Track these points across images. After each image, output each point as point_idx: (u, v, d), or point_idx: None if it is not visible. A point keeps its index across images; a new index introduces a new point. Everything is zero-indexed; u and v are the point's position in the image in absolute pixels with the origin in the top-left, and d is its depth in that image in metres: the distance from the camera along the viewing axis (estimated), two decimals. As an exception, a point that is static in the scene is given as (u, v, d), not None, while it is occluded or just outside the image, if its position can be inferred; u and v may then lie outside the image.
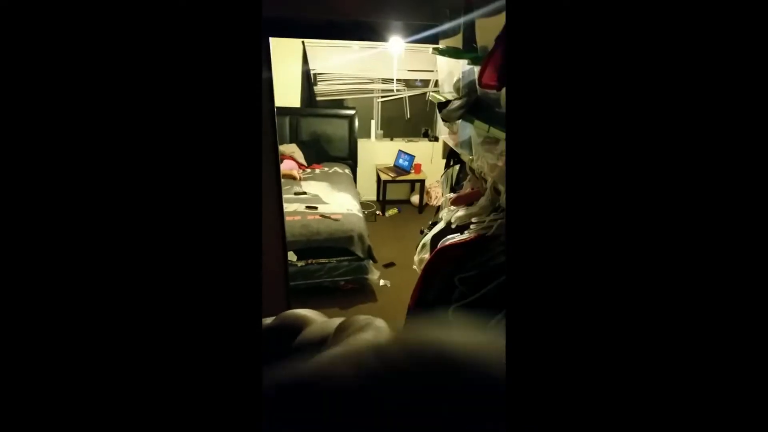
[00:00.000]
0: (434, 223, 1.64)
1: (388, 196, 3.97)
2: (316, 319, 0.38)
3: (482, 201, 1.28)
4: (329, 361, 0.21)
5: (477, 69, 1.10)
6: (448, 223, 1.40)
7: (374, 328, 0.26)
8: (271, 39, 1.53)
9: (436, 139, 4.03)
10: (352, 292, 2.59)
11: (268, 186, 1.68)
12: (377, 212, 3.90)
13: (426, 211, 3.91)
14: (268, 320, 0.41)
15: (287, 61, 3.53)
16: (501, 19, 0.97)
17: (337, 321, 0.35)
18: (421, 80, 3.93)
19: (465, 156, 1.46)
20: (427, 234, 1.60)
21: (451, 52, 1.32)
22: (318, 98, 3.83)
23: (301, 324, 0.38)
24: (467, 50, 1.25)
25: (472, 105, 1.19)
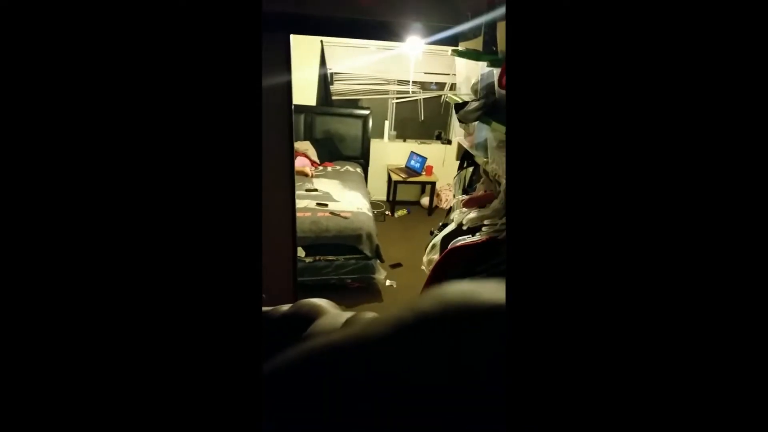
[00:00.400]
0: (444, 225, 1.64)
1: (398, 197, 3.97)
2: (329, 309, 0.39)
3: (495, 204, 1.28)
4: (368, 321, 0.22)
5: (497, 71, 1.10)
6: (460, 225, 1.40)
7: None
8: (291, 37, 1.54)
9: (449, 142, 4.02)
10: (358, 290, 2.60)
11: (282, 182, 1.70)
12: (386, 212, 3.90)
13: (435, 213, 3.90)
14: (285, 307, 0.41)
15: (305, 60, 3.57)
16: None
17: (347, 314, 0.36)
18: (436, 83, 3.92)
19: (480, 158, 1.45)
20: (437, 235, 1.60)
21: (471, 54, 1.32)
22: (333, 97, 3.85)
23: (315, 313, 0.38)
24: (487, 52, 1.25)
25: (490, 107, 1.18)
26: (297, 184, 2.97)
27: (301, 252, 2.47)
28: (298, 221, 2.28)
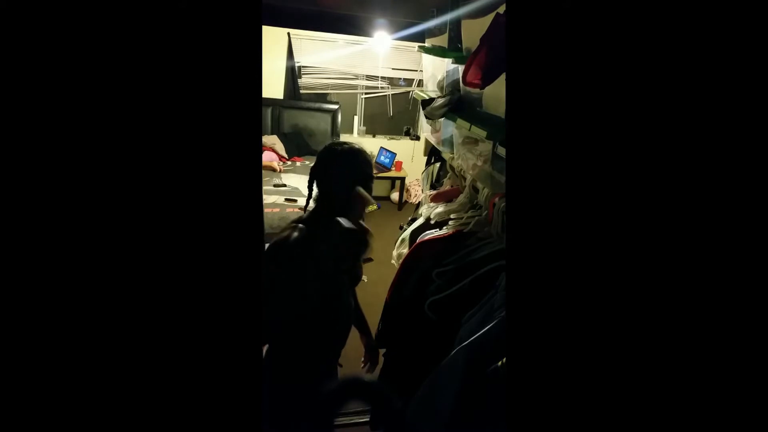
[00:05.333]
0: (413, 219, 1.67)
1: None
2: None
3: (461, 198, 1.31)
4: None
5: (461, 68, 1.13)
6: (427, 219, 1.43)
7: None
8: (256, 26, 1.50)
9: (418, 138, 4.06)
10: (329, 286, 2.58)
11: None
12: (357, 208, 3.89)
13: (405, 208, 3.94)
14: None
15: (271, 52, 3.47)
16: (487, 20, 1.00)
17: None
18: (405, 80, 3.95)
19: (446, 154, 1.49)
20: (406, 229, 1.62)
21: (437, 51, 1.34)
22: (302, 91, 3.78)
23: None
24: (452, 49, 1.27)
25: (455, 103, 1.21)
26: (264, 179, 2.89)
27: (269, 249, 2.42)
28: (266, 217, 2.23)
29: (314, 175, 0.93)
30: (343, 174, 0.89)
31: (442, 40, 1.39)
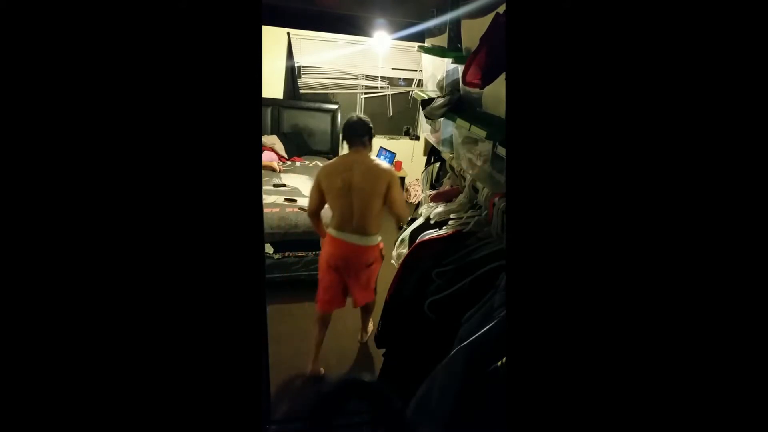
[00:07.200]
0: (413, 219, 1.66)
1: (368, 193, 3.97)
2: None
3: (461, 198, 1.31)
4: None
5: (461, 68, 1.13)
6: (427, 219, 1.43)
7: None
8: (256, 26, 1.50)
9: (417, 138, 4.07)
10: (328, 286, 2.58)
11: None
12: (357, 208, 3.90)
13: (405, 208, 3.94)
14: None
15: (271, 52, 3.48)
16: (486, 20, 1.00)
17: None
18: (404, 80, 3.95)
19: (446, 154, 1.49)
20: (406, 229, 1.62)
21: (437, 51, 1.34)
22: (302, 91, 3.78)
23: None
24: (452, 49, 1.27)
25: (455, 103, 1.21)
26: (264, 179, 2.89)
27: (269, 248, 2.42)
28: (265, 217, 2.23)
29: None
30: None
31: (442, 40, 1.39)
